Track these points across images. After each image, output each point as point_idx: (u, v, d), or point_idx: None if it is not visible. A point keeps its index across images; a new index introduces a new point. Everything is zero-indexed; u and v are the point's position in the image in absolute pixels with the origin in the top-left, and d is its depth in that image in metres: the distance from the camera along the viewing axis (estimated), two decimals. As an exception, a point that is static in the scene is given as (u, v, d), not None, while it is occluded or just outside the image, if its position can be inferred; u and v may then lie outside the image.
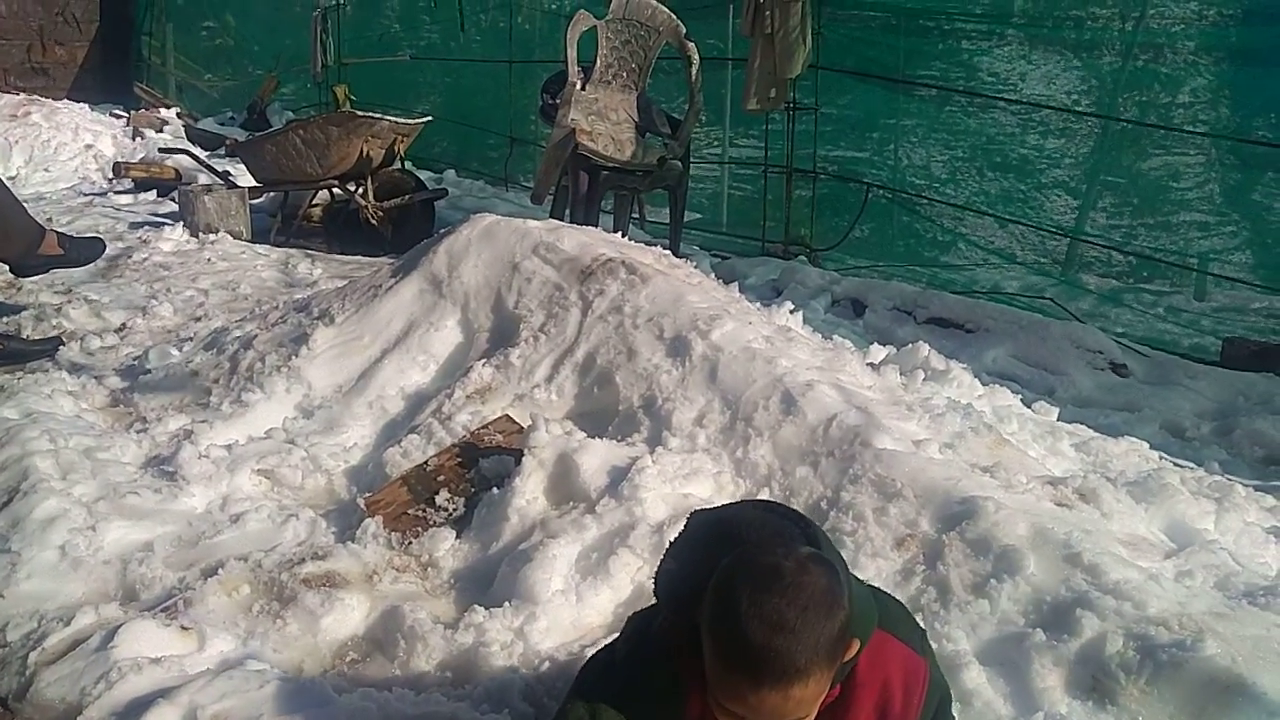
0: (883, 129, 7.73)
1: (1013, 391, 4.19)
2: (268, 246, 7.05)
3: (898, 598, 2.18)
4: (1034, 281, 6.76)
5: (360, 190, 7.19)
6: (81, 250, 5.93)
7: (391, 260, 4.57)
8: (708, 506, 2.01)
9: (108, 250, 6.53)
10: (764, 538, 1.63)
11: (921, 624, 2.01)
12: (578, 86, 6.42)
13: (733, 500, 3.00)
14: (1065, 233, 6.82)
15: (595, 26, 6.58)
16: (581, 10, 6.65)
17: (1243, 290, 6.27)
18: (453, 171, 9.88)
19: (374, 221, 7.17)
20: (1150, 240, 6.77)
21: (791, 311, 4.32)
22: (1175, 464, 3.74)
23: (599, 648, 1.98)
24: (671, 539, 1.90)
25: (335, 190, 7.56)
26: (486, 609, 2.65)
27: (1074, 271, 6.90)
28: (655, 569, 1.82)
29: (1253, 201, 6.32)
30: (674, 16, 6.64)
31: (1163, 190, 6.71)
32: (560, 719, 1.79)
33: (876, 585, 2.32)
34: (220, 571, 2.83)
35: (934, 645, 2.40)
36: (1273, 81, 6.03)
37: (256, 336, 4.06)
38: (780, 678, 1.44)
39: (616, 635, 1.96)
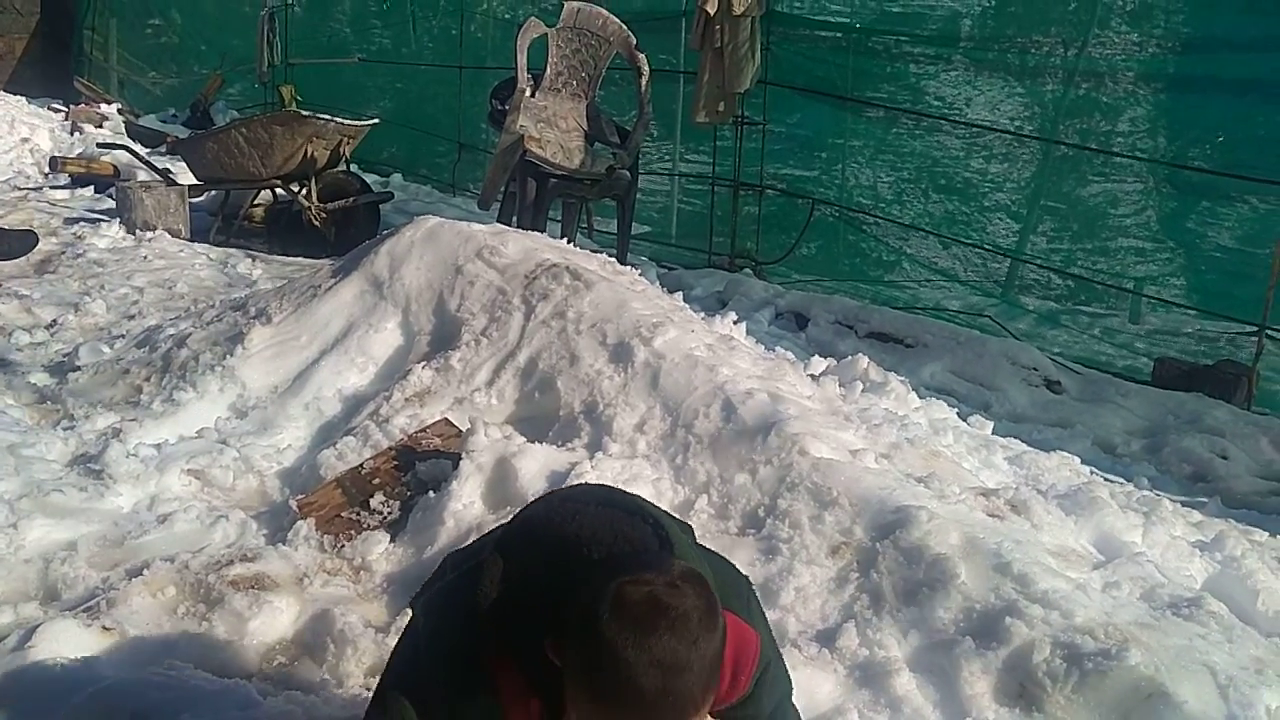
0: (831, 149, 7.81)
1: (949, 405, 4.24)
2: (207, 245, 6.94)
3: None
4: (975, 301, 6.87)
5: (304, 191, 7.09)
6: (12, 243, 5.78)
7: (333, 262, 4.51)
8: (529, 505, 1.70)
9: (41, 246, 6.41)
10: (615, 555, 1.48)
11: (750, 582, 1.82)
12: (527, 93, 6.40)
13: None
14: (1006, 253, 6.94)
15: (546, 34, 6.57)
16: (533, 17, 6.65)
17: (1176, 314, 6.42)
18: (399, 176, 9.81)
19: (317, 223, 7.07)
20: (1088, 264, 6.92)
21: (735, 322, 4.34)
22: (1106, 479, 3.81)
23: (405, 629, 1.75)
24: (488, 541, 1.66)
25: (278, 190, 7.45)
26: (419, 612, 2.61)
27: (1014, 293, 7.02)
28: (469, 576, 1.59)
29: (1187, 229, 6.48)
30: (625, 27, 6.65)
31: (1101, 216, 6.85)
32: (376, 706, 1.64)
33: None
34: (145, 572, 2.76)
35: (865, 653, 2.44)
36: (1209, 111, 6.19)
37: (190, 335, 3.98)
38: (679, 715, 1.35)
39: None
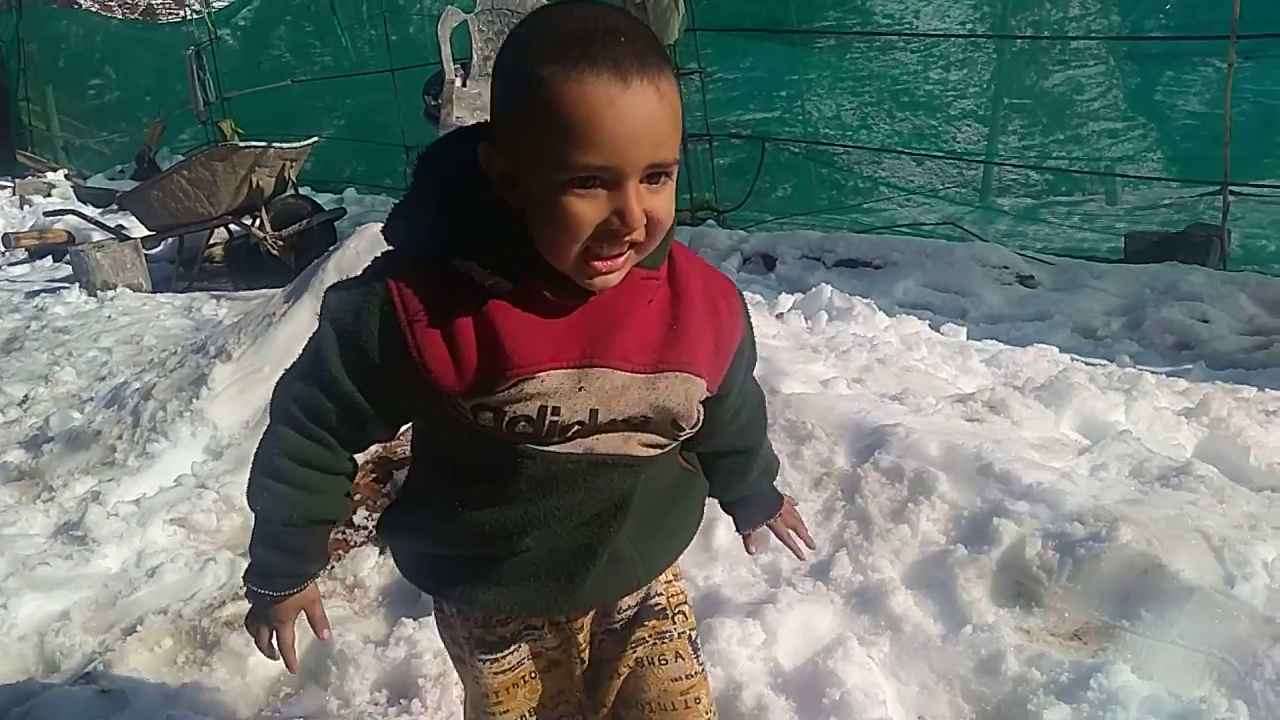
0: (789, 86, 7.74)
1: (927, 317, 4.21)
2: (171, 294, 6.89)
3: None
4: (953, 212, 6.84)
5: (256, 222, 7.03)
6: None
7: (285, 288, 4.47)
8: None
9: (4, 324, 6.38)
10: None
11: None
12: (458, 84, 6.32)
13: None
14: (975, 159, 6.89)
15: (466, 21, 6.48)
16: (450, 7, 6.54)
17: (1158, 188, 6.39)
18: (353, 190, 9.75)
19: (275, 252, 7.02)
20: (1064, 155, 6.88)
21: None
22: (1086, 363, 3.78)
23: None
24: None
25: (232, 226, 7.39)
26: (415, 620, 2.60)
27: (992, 196, 6.99)
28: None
29: (1155, 102, 6.43)
30: None
31: (1068, 105, 6.81)
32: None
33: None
34: (140, 628, 2.74)
35: (860, 579, 2.42)
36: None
37: (156, 385, 3.95)
38: (642, 62, 1.07)
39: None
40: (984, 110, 7.09)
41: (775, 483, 1.71)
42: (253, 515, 1.37)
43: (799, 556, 1.74)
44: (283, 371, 1.33)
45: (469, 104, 6.35)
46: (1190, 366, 3.82)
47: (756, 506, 1.66)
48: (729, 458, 1.53)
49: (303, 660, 2.63)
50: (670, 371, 1.24)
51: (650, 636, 1.47)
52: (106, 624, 2.87)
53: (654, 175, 1.11)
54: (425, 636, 2.54)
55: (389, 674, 2.51)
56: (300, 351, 1.31)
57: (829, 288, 4.06)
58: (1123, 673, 2.01)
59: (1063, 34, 6.64)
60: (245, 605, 2.79)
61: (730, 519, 1.68)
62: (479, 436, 1.23)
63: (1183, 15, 6.11)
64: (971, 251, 5.30)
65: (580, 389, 1.20)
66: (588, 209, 1.10)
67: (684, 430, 1.29)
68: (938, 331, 3.92)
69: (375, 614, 2.79)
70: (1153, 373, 3.56)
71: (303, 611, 1.41)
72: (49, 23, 15.71)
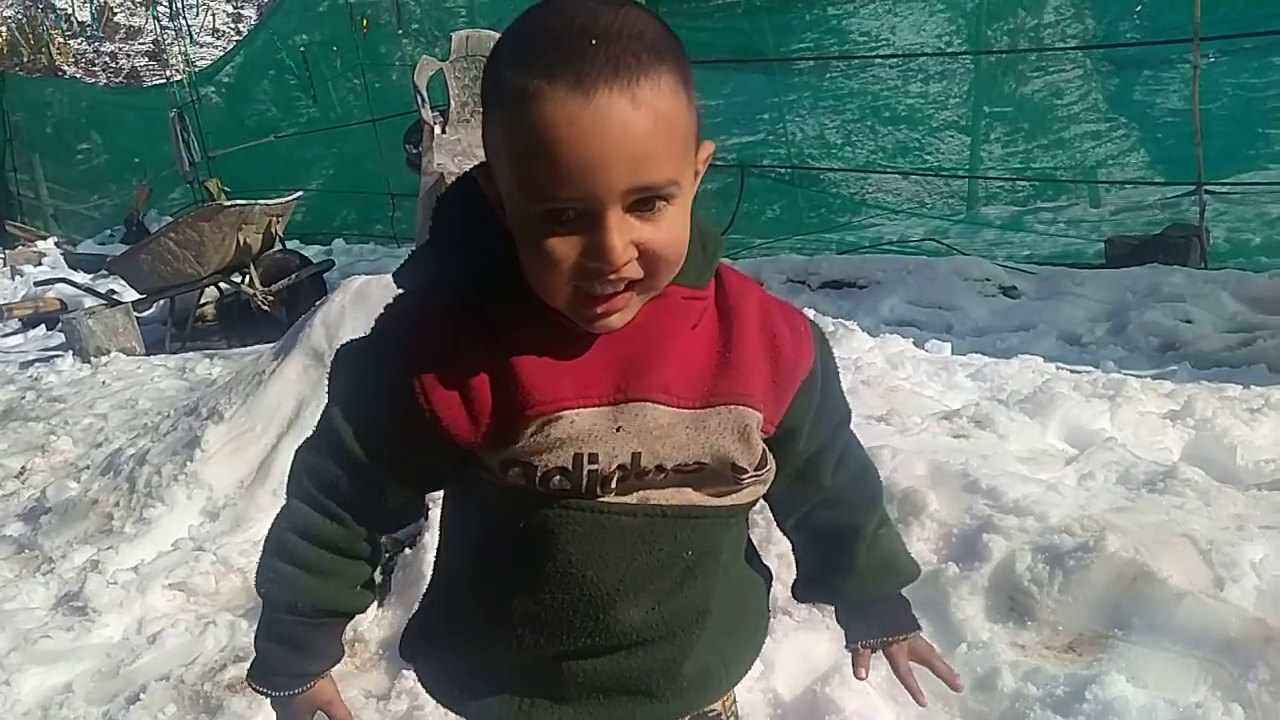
0: (770, 109, 7.82)
1: (916, 333, 4.23)
2: (165, 355, 6.91)
3: None
4: (940, 225, 6.88)
5: (246, 279, 7.08)
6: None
7: (274, 345, 4.50)
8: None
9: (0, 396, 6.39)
10: None
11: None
12: (437, 131, 6.38)
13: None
14: (962, 173, 6.94)
15: (441, 69, 6.54)
16: (424, 56, 6.62)
17: (1142, 189, 6.43)
18: (341, 240, 9.81)
19: (266, 307, 7.06)
20: (1048, 160, 6.94)
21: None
22: (1072, 371, 3.80)
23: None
24: None
25: (222, 285, 7.44)
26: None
27: (978, 206, 7.04)
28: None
29: (1135, 102, 6.49)
30: (517, 43, 6.62)
31: (1049, 110, 6.87)
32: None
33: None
34: (143, 696, 2.75)
35: (854, 603, 2.43)
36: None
37: (150, 450, 3.97)
38: (615, 67, 0.90)
39: None
40: (965, 120, 7.16)
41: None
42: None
43: (919, 702, 1.39)
44: (300, 441, 1.17)
45: (449, 150, 6.41)
46: (1175, 368, 3.84)
47: (870, 617, 1.39)
48: (825, 539, 1.33)
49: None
50: (723, 405, 1.05)
51: None
52: (110, 694, 2.87)
53: (643, 201, 0.93)
54: (426, 688, 2.55)
55: (392, 728, 2.51)
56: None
57: (812, 311, 4.09)
58: (1118, 682, 2.01)
59: (1037, 42, 6.71)
60: (247, 667, 2.82)
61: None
62: (514, 498, 1.05)
63: (1153, 16, 6.18)
64: (953, 266, 5.34)
65: (618, 429, 1.02)
66: (562, 246, 0.94)
67: (746, 473, 1.10)
68: (923, 348, 3.94)
69: (376, 668, 2.79)
70: (1137, 376, 3.58)
71: (320, 712, 1.24)
72: (34, 91, 15.87)
